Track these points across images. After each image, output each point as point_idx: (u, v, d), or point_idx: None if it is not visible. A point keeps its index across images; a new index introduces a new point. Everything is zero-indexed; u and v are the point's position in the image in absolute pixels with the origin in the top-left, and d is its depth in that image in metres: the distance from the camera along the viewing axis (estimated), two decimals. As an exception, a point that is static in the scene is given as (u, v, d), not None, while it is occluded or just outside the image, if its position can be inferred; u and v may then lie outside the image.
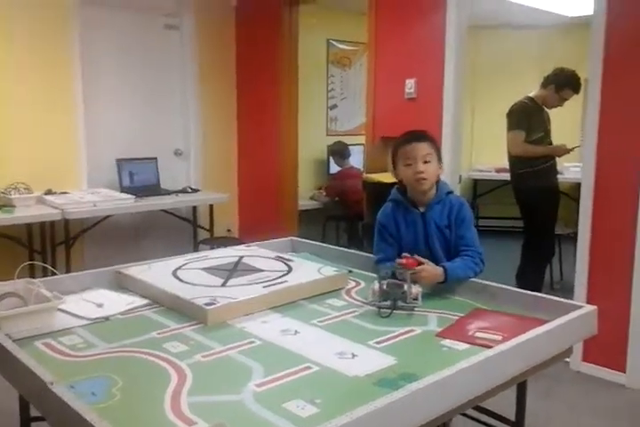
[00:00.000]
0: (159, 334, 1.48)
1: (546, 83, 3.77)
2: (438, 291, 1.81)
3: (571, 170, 5.14)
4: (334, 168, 5.49)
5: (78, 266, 3.69)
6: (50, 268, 2.14)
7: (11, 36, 3.75)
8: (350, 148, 5.44)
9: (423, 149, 1.90)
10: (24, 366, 1.19)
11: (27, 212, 3.47)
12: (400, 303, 1.64)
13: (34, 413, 1.67)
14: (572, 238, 3.38)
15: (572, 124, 5.37)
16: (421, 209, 1.95)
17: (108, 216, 3.91)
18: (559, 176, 3.95)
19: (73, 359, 1.33)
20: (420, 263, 1.75)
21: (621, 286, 2.86)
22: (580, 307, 1.56)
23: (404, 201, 1.97)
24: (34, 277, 1.76)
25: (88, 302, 1.70)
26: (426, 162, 1.89)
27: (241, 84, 4.93)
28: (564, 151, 3.75)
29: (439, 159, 1.95)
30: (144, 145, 4.50)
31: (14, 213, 3.42)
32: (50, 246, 3.77)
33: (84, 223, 3.88)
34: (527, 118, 3.68)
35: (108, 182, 4.21)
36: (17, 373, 1.25)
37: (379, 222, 2.02)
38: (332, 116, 5.96)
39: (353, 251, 2.24)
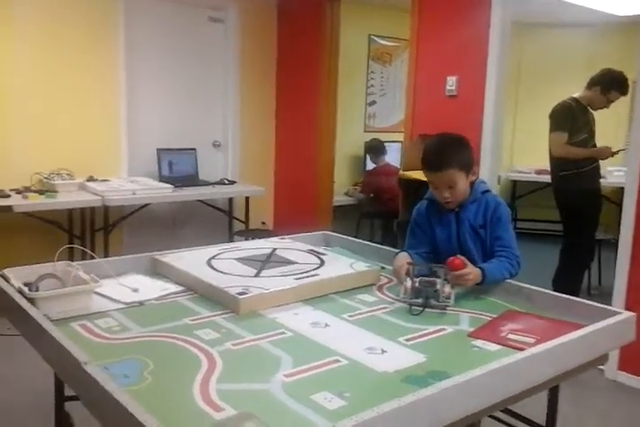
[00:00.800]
0: (192, 320, 1.50)
1: (591, 84, 3.68)
2: (471, 291, 1.79)
3: (614, 174, 5.01)
4: (370, 165, 5.47)
5: (116, 252, 3.76)
6: (89, 252, 2.19)
7: (57, 26, 3.84)
8: (388, 145, 5.41)
9: (444, 177, 1.82)
10: (60, 346, 1.22)
11: (68, 197, 3.56)
12: (432, 302, 1.63)
13: (68, 392, 1.73)
14: (613, 244, 3.30)
15: (617, 126, 5.23)
16: (456, 209, 1.92)
17: (146, 204, 3.98)
18: (601, 180, 3.85)
19: (107, 341, 1.36)
20: (465, 265, 1.71)
21: (662, 295, 2.78)
22: (618, 313, 1.52)
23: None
24: (73, 261, 1.80)
25: (124, 286, 1.74)
26: (451, 186, 1.84)
27: (281, 78, 4.95)
28: (608, 154, 3.65)
29: (468, 170, 1.86)
30: (184, 136, 4.56)
31: (57, 198, 3.51)
32: (89, 232, 3.86)
33: (123, 210, 3.96)
34: (570, 119, 3.60)
35: (147, 171, 4.29)
36: (53, 352, 1.28)
37: (413, 219, 2.01)
38: (370, 112, 5.93)
39: (386, 247, 2.23)
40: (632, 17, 4.79)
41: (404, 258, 1.83)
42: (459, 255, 1.74)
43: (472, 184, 1.92)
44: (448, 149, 1.88)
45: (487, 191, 1.95)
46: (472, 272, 1.71)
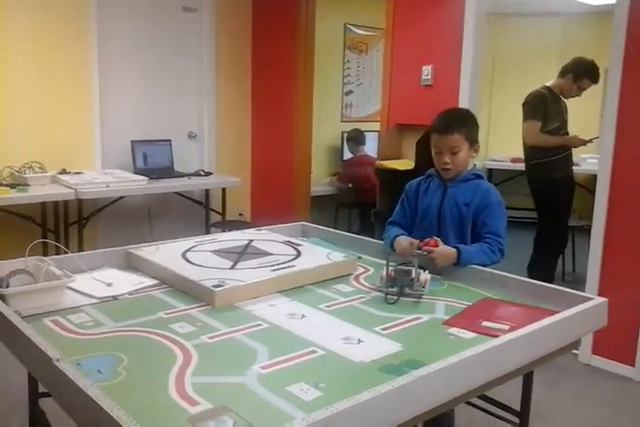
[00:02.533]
0: (166, 314, 1.49)
1: (564, 72, 3.71)
2: (447, 279, 1.80)
3: (587, 161, 5.07)
4: (348, 155, 5.47)
5: (91, 246, 3.72)
6: (62, 247, 2.16)
7: (26, 17, 3.75)
8: (365, 134, 5.41)
9: (451, 141, 1.91)
10: (31, 343, 1.20)
11: (41, 191, 3.49)
12: (407, 290, 1.63)
13: (42, 389, 1.70)
14: (586, 231, 3.35)
15: (591, 115, 5.29)
16: (447, 183, 1.99)
17: (121, 197, 3.93)
18: (575, 167, 3.90)
19: (80, 337, 1.34)
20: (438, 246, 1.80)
21: (634, 280, 2.83)
22: (590, 299, 1.55)
23: (437, 176, 2.01)
24: (46, 256, 1.77)
25: (97, 281, 1.72)
26: (453, 153, 1.92)
27: (256, 67, 4.90)
28: (580, 142, 3.69)
29: (472, 143, 1.95)
30: (158, 127, 4.51)
31: (29, 191, 3.44)
32: (63, 226, 3.80)
33: (97, 204, 3.91)
34: (543, 108, 3.63)
35: (121, 163, 4.23)
36: (25, 349, 1.26)
37: (404, 190, 2.10)
38: (347, 101, 5.92)
39: (363, 237, 2.23)
40: (604, 6, 4.83)
41: (404, 239, 1.89)
42: (435, 237, 1.82)
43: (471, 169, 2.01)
44: (459, 117, 2.02)
45: (481, 177, 2.00)
46: (436, 250, 1.78)
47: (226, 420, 0.99)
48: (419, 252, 1.77)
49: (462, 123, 1.96)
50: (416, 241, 1.83)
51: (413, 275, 1.64)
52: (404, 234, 1.96)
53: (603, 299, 1.54)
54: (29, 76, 3.82)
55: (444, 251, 1.80)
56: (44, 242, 3.25)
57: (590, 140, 3.72)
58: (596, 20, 5.40)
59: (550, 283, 1.71)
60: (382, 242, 2.06)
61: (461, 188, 1.96)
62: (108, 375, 1.14)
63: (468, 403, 1.89)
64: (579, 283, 3.32)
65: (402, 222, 2.06)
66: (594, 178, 3.12)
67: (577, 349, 2.98)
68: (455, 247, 1.81)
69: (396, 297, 1.62)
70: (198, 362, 1.22)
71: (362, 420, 0.99)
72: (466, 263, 1.80)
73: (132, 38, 4.32)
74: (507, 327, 1.42)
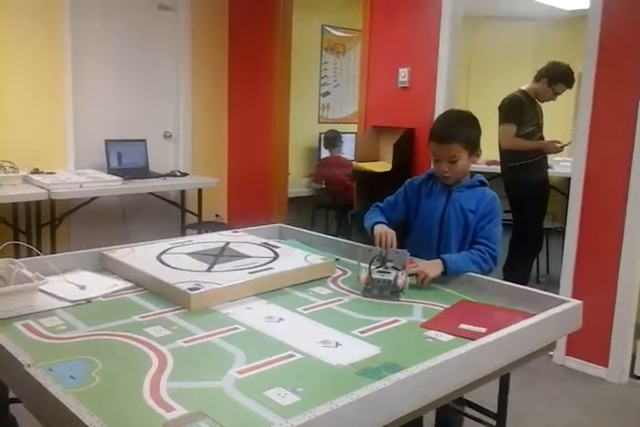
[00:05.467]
0: (141, 317, 1.46)
1: (539, 76, 3.76)
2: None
3: (561, 164, 5.14)
4: (325, 156, 5.47)
5: (64, 247, 3.65)
6: (33, 248, 2.10)
7: (0, 16, 3.67)
8: (342, 136, 5.42)
9: (449, 150, 1.85)
10: (1, 348, 1.17)
11: (12, 191, 3.42)
12: (386, 292, 1.64)
13: (12, 395, 1.66)
14: (561, 233, 3.39)
15: (564, 119, 5.38)
16: (452, 188, 1.94)
17: (94, 198, 3.86)
18: (549, 170, 3.95)
19: (53, 341, 1.31)
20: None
21: (607, 282, 2.87)
22: (566, 301, 1.56)
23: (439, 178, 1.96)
24: (18, 258, 1.73)
25: (70, 283, 1.68)
26: (452, 162, 1.86)
27: (233, 67, 4.87)
28: (555, 148, 3.73)
29: (473, 150, 1.89)
30: (133, 127, 4.45)
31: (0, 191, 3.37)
32: (35, 227, 3.72)
33: (70, 204, 3.84)
34: (519, 112, 3.66)
35: (95, 163, 4.16)
36: (-6, 354, 1.23)
37: (404, 185, 2.03)
38: (324, 103, 5.92)
39: (341, 239, 2.22)
40: (578, 11, 4.92)
41: (385, 227, 1.84)
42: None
43: (472, 174, 1.96)
44: (457, 124, 1.92)
45: (486, 184, 1.96)
46: (420, 264, 1.76)
47: (202, 426, 0.97)
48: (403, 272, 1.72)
49: (461, 130, 1.88)
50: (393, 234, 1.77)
51: (392, 277, 1.64)
52: (384, 223, 1.90)
53: (578, 302, 1.56)
54: (1, 76, 3.73)
55: (428, 263, 1.78)
56: (15, 244, 3.18)
57: (562, 149, 3.75)
58: (570, 25, 5.49)
59: (525, 284, 1.72)
60: (359, 245, 2.03)
61: (467, 194, 1.92)
62: (82, 381, 1.12)
63: (444, 406, 1.90)
64: (553, 284, 3.36)
65: (387, 212, 1.99)
66: (567, 181, 3.16)
67: (552, 351, 3.01)
68: (440, 258, 1.78)
69: (370, 293, 1.63)
70: (174, 367, 1.19)
71: (340, 425, 0.98)
72: (454, 270, 1.77)
73: (106, 36, 4.26)
74: (484, 330, 1.42)
